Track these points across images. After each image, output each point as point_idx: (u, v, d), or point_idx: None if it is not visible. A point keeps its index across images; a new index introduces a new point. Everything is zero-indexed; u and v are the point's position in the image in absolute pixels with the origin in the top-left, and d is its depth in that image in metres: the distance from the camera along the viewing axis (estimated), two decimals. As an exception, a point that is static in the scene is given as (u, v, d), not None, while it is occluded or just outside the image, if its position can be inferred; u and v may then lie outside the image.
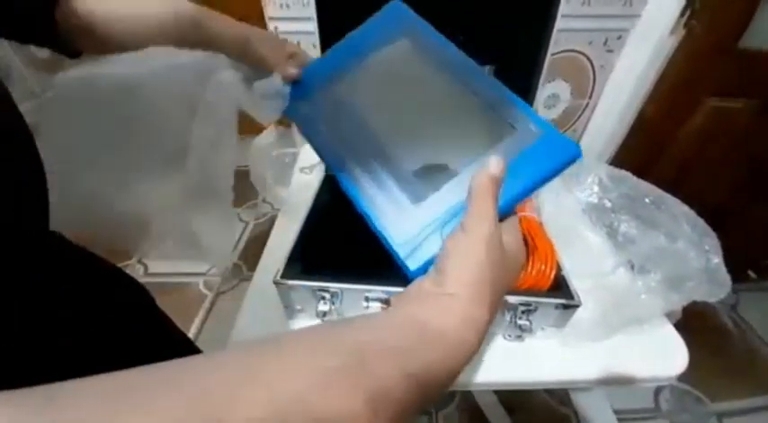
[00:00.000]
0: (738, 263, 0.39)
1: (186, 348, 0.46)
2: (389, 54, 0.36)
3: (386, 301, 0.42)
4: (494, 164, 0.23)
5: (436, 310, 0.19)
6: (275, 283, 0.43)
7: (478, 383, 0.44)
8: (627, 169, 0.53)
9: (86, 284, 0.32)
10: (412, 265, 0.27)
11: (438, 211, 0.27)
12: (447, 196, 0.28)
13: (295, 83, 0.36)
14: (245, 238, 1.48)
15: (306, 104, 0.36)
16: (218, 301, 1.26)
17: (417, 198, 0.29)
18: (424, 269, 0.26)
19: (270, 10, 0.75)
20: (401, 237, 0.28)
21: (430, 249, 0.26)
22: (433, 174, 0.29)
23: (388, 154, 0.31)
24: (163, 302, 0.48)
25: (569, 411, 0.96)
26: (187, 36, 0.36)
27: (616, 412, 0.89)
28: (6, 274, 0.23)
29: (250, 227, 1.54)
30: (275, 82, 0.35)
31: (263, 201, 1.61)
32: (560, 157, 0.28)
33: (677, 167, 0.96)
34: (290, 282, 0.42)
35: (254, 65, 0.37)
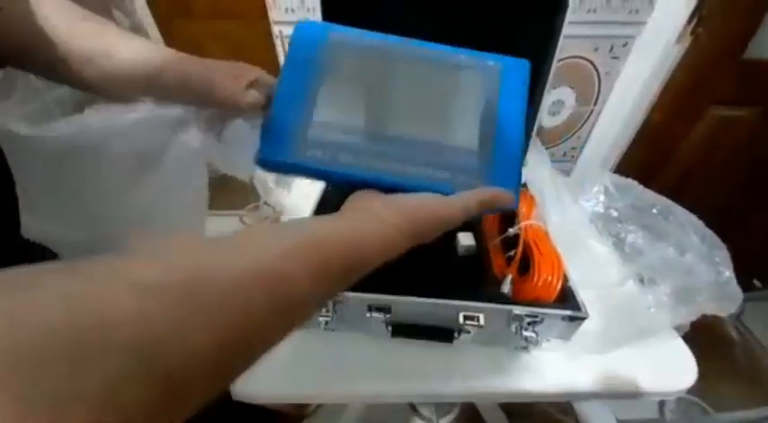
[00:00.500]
0: (743, 271, 0.39)
1: None
2: (342, 67, 0.32)
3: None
4: (502, 197, 0.29)
5: (371, 217, 0.26)
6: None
7: (482, 394, 0.43)
8: (631, 176, 0.53)
9: None
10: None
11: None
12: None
13: (267, 125, 0.29)
14: (246, 240, 1.47)
15: (294, 144, 0.29)
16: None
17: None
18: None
19: (274, 14, 0.74)
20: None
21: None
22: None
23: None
24: None
25: (571, 420, 0.95)
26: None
27: (620, 422, 0.88)
28: None
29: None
30: (240, 126, 0.30)
31: (265, 204, 1.60)
32: (524, 78, 0.33)
33: (681, 174, 0.96)
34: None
35: (214, 107, 0.31)
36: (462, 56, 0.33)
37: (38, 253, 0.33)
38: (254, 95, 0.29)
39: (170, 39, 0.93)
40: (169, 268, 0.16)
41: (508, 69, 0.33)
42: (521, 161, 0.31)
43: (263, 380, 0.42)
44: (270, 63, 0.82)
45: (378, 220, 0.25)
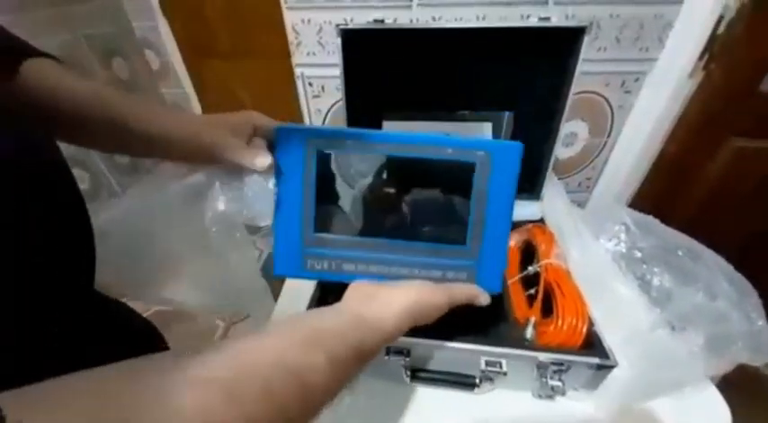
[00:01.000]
0: (765, 307, 0.37)
1: None
2: (331, 171, 0.34)
3: None
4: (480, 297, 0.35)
5: (375, 310, 0.29)
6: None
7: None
8: (648, 207, 0.52)
9: (119, 342, 0.34)
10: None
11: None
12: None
13: (276, 242, 0.33)
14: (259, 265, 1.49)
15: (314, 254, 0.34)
16: (231, 331, 1.25)
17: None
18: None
19: (297, 57, 0.78)
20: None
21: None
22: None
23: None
24: (177, 332, 0.49)
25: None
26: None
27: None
28: (49, 329, 0.25)
29: (264, 255, 1.54)
30: (255, 180, 0.31)
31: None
32: (514, 163, 0.32)
33: (699, 207, 0.94)
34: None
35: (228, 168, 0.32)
36: (449, 149, 0.32)
37: (113, 307, 0.37)
38: (261, 161, 0.30)
39: (197, 78, 0.98)
40: (214, 366, 0.19)
41: (499, 156, 0.32)
42: (506, 258, 0.34)
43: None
44: (292, 100, 0.86)
45: (379, 320, 0.29)
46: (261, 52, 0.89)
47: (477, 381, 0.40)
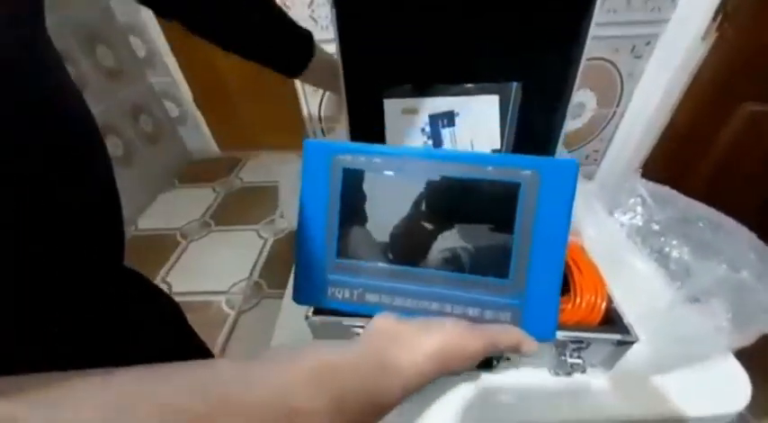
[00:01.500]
0: None
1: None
2: (358, 191, 0.29)
3: None
4: (525, 345, 0.26)
5: (396, 353, 0.24)
6: (307, 319, 0.41)
7: (522, 422, 0.41)
8: (659, 177, 0.50)
9: (147, 315, 0.37)
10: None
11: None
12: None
13: (297, 267, 0.31)
14: (264, 255, 1.48)
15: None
16: (240, 319, 1.26)
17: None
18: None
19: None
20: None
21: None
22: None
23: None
24: (190, 320, 0.51)
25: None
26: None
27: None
28: (79, 303, 0.27)
29: (269, 243, 1.54)
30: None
31: (281, 216, 1.61)
32: (570, 184, 0.26)
33: (712, 176, 0.92)
34: (324, 318, 0.41)
35: None
36: (490, 168, 0.27)
37: (137, 280, 0.40)
38: None
39: (185, 63, 0.94)
40: (197, 395, 0.17)
41: (549, 176, 0.26)
42: (558, 296, 0.27)
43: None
44: (287, 81, 0.82)
45: (400, 366, 0.24)
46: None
47: (495, 361, 0.40)
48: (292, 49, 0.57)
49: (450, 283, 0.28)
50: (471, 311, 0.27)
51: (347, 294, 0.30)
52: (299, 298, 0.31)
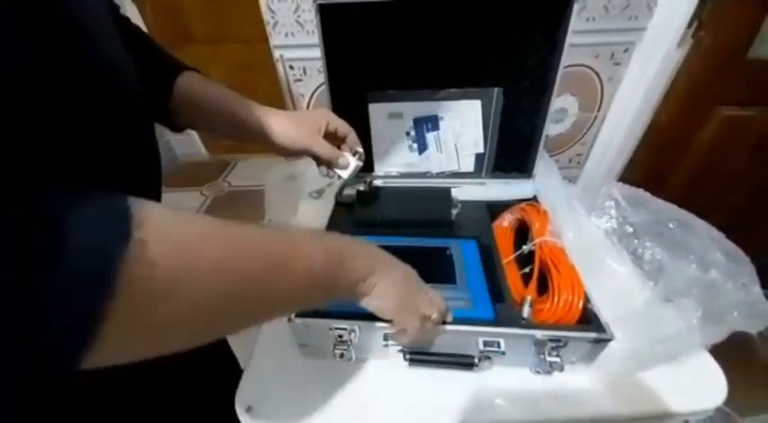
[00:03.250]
0: (759, 275, 0.37)
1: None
2: None
3: None
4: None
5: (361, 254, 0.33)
6: (289, 321, 0.41)
7: (505, 421, 0.42)
8: (640, 180, 0.52)
9: None
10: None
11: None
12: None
13: None
14: (252, 259, 1.47)
15: None
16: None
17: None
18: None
19: (275, 39, 0.75)
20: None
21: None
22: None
23: None
24: None
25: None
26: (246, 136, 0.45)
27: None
28: None
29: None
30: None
31: (270, 221, 1.61)
32: (475, 247, 0.51)
33: (691, 177, 0.94)
34: (305, 320, 0.41)
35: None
36: (437, 241, 0.52)
37: None
38: (343, 161, 0.50)
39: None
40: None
41: (464, 244, 0.51)
42: (486, 292, 0.44)
43: (280, 416, 0.41)
44: (271, 84, 0.82)
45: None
46: (238, 37, 0.84)
47: (476, 360, 0.40)
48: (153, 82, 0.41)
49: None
50: None
51: None
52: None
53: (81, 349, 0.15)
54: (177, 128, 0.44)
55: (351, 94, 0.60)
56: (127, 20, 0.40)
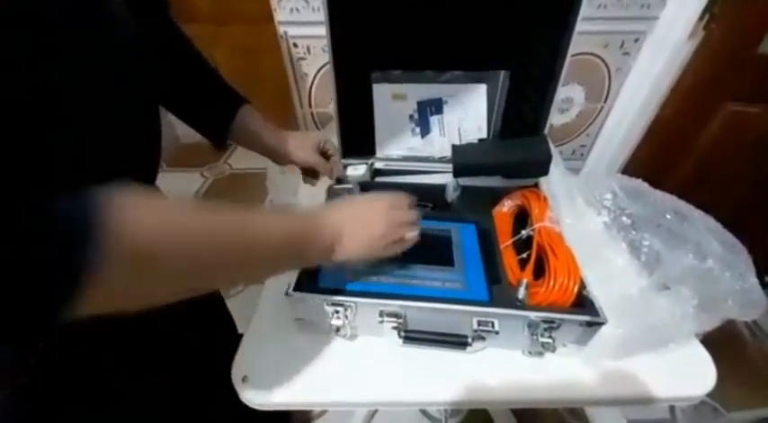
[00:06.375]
0: (757, 269, 0.38)
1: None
2: None
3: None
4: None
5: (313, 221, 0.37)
6: (287, 295, 0.42)
7: (496, 401, 0.42)
8: (642, 173, 0.51)
9: None
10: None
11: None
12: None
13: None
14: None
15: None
16: (227, 303, 1.25)
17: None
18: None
19: (279, 14, 0.73)
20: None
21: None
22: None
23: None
24: None
25: (581, 422, 0.94)
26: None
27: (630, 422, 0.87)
28: None
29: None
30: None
31: (271, 202, 1.60)
32: (473, 231, 0.52)
33: (695, 171, 0.94)
34: (302, 294, 0.41)
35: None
36: (436, 224, 0.53)
37: None
38: (338, 172, 0.61)
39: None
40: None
41: (463, 228, 0.52)
42: (482, 275, 0.46)
43: (274, 387, 0.41)
44: (275, 63, 0.81)
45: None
46: (242, 16, 0.83)
47: (470, 340, 0.41)
48: (216, 112, 0.52)
49: (425, 270, 0.46)
50: (437, 283, 0.44)
51: (362, 274, 0.45)
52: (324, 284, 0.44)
53: (68, 298, 0.18)
54: (220, 146, 0.55)
55: (355, 74, 0.59)
56: (199, 54, 0.50)
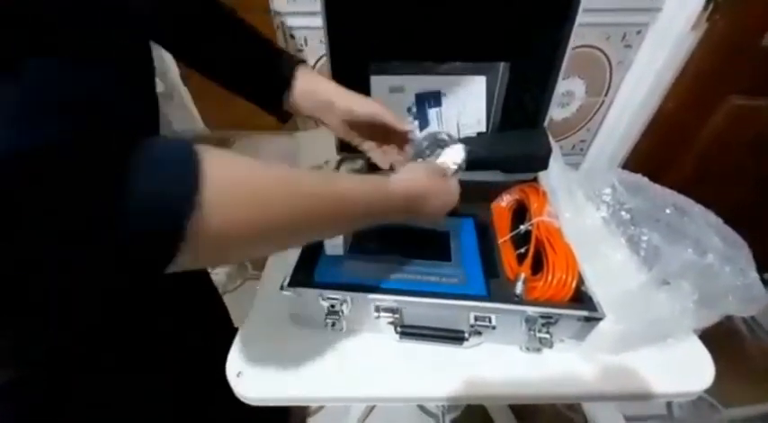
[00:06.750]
0: (758, 265, 0.37)
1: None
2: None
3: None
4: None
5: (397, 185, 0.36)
6: (282, 289, 0.41)
7: (493, 397, 0.42)
8: (643, 168, 0.51)
9: None
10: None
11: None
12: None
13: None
14: (249, 235, 1.47)
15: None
16: (224, 299, 1.25)
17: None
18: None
19: (276, 4, 0.72)
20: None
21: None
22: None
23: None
24: None
25: (578, 416, 0.94)
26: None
27: (627, 419, 0.87)
28: None
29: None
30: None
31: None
32: (471, 226, 0.52)
33: (697, 166, 0.93)
34: (297, 289, 0.41)
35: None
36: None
37: None
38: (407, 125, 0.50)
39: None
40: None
41: (461, 222, 0.52)
42: (480, 270, 0.45)
43: (269, 382, 0.41)
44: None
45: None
46: (238, 5, 0.81)
47: (466, 335, 0.40)
48: (269, 80, 0.47)
49: (422, 265, 0.45)
50: (434, 278, 0.44)
51: (359, 269, 0.45)
52: (320, 278, 0.44)
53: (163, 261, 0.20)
54: (284, 117, 0.49)
55: (352, 65, 0.58)
56: (242, 20, 0.46)
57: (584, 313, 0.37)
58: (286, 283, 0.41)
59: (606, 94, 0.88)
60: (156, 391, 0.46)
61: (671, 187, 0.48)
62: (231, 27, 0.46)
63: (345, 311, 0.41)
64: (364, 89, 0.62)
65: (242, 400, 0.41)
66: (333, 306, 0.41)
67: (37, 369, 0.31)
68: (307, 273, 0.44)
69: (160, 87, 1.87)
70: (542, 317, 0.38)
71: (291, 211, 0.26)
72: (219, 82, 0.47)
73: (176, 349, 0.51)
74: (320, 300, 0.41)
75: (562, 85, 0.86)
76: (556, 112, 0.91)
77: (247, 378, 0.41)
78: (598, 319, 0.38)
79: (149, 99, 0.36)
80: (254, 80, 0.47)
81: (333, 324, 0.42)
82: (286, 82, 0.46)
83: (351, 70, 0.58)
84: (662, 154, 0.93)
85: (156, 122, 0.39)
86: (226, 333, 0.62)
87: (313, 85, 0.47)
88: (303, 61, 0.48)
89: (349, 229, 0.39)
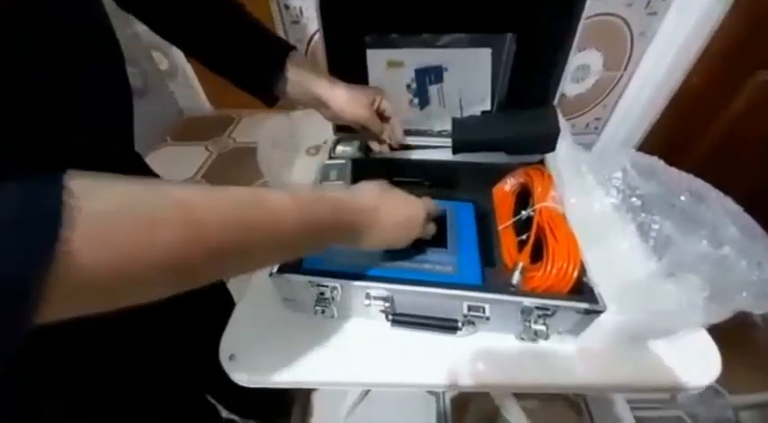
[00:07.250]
0: None
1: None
2: None
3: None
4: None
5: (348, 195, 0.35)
6: (271, 275, 0.40)
7: (487, 385, 0.42)
8: (661, 150, 0.47)
9: None
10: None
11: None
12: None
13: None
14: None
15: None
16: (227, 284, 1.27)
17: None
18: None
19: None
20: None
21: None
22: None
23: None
24: None
25: (580, 398, 0.94)
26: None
27: (630, 402, 0.87)
28: None
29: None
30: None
31: (264, 183, 1.59)
32: (471, 211, 0.50)
33: (717, 147, 0.87)
34: (286, 275, 0.40)
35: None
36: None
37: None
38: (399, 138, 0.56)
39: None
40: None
41: (459, 208, 0.50)
42: (477, 258, 0.43)
43: (262, 365, 0.41)
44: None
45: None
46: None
47: (460, 324, 0.39)
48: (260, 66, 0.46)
49: (415, 252, 0.43)
50: (428, 266, 0.43)
51: (351, 256, 0.42)
52: (309, 265, 0.42)
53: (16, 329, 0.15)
54: (271, 101, 0.49)
55: (348, 39, 0.55)
56: (240, 5, 0.45)
57: (584, 305, 0.36)
58: (275, 269, 0.40)
59: (626, 68, 0.82)
60: (156, 380, 0.48)
61: (688, 170, 0.44)
62: (221, 16, 0.44)
63: (336, 298, 0.41)
64: (361, 64, 0.58)
65: (235, 382, 0.41)
66: (322, 293, 0.40)
67: (27, 367, 0.31)
68: (301, 258, 0.42)
69: (164, 64, 1.84)
70: (538, 308, 0.36)
71: (190, 239, 0.20)
72: (210, 69, 0.47)
73: (178, 338, 0.51)
74: (310, 287, 0.40)
75: (577, 58, 0.80)
76: (569, 88, 0.85)
77: (240, 361, 0.41)
78: (598, 312, 0.36)
79: (120, 86, 0.36)
80: (243, 74, 0.47)
81: (323, 311, 0.41)
82: (276, 77, 0.46)
83: (346, 44, 0.55)
84: (680, 134, 0.88)
85: (129, 110, 0.39)
86: (222, 300, 0.63)
87: (306, 83, 0.47)
88: (294, 48, 0.47)
89: (289, 253, 0.31)
